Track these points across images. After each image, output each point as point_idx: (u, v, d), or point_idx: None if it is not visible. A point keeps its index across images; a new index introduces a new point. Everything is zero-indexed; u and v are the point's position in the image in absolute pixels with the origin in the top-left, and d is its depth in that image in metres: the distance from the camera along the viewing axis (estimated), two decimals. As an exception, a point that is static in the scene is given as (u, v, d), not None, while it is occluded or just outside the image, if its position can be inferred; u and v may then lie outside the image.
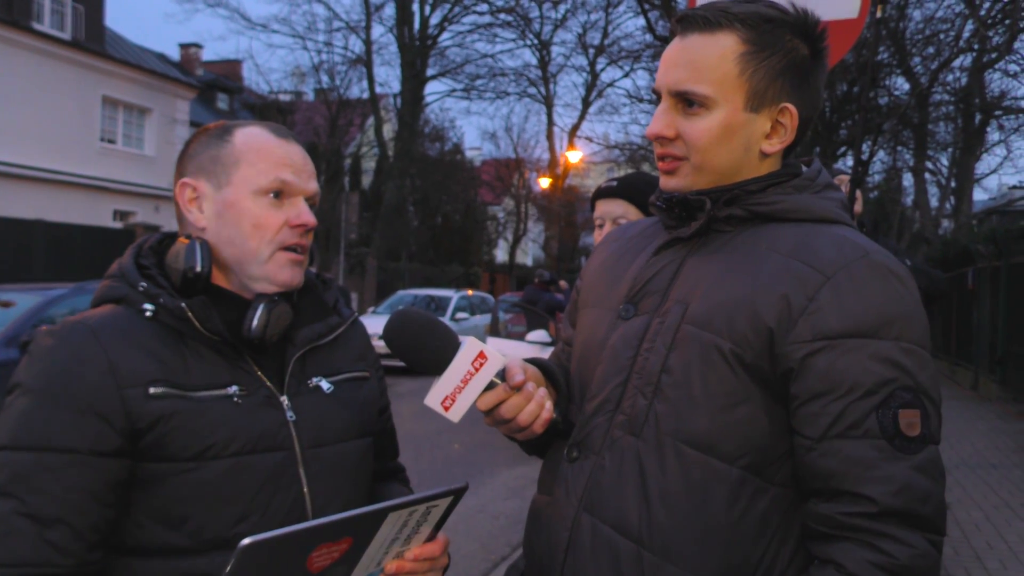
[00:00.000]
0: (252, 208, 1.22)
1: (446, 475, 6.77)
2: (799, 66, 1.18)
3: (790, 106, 1.18)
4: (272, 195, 1.23)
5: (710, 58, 1.16)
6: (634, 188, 2.18)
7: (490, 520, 5.46)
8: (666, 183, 1.23)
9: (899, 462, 1.04)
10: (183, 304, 1.16)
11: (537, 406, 1.15)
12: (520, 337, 9.79)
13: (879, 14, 3.28)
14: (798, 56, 1.18)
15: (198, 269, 1.19)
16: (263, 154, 1.24)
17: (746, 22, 1.16)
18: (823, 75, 1.22)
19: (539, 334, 8.77)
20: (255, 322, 1.19)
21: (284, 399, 1.22)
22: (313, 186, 1.28)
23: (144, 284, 1.19)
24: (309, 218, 1.25)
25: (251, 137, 1.25)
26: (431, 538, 1.15)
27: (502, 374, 1.14)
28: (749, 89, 1.16)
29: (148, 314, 1.17)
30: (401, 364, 1.32)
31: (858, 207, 3.91)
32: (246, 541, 0.88)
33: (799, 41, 1.18)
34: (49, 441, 1.07)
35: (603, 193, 2.25)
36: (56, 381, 1.09)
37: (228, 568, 0.88)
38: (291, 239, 1.24)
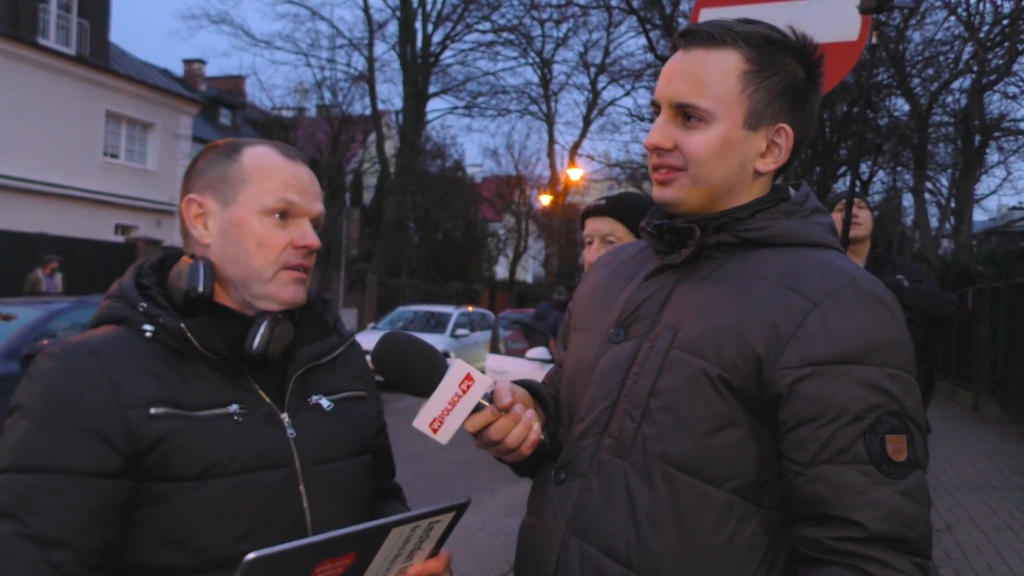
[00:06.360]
0: (257, 228, 1.23)
1: (445, 492, 6.75)
2: (797, 89, 1.20)
3: (786, 127, 1.20)
4: (277, 215, 1.23)
5: (713, 73, 1.17)
6: (622, 206, 2.18)
7: (489, 537, 5.43)
8: (659, 194, 1.23)
9: (886, 487, 1.04)
10: (182, 325, 1.16)
11: (525, 428, 1.15)
12: (520, 354, 9.78)
13: (874, 40, 3.30)
14: (796, 79, 1.20)
15: (200, 290, 1.19)
16: (270, 174, 1.24)
17: (749, 41, 1.17)
18: (818, 100, 1.24)
19: (539, 351, 8.76)
20: (257, 340, 1.20)
21: (285, 416, 1.23)
22: (318, 207, 1.28)
23: (144, 304, 1.19)
24: (313, 240, 1.26)
25: (259, 156, 1.26)
26: (434, 554, 1.15)
27: (490, 396, 1.14)
28: (749, 107, 1.17)
29: (148, 335, 1.17)
30: None
31: (862, 231, 3.82)
32: (251, 556, 0.88)
33: (798, 65, 1.20)
34: (50, 463, 1.07)
35: (592, 211, 2.25)
36: (57, 403, 1.09)
37: None
38: (294, 260, 1.25)
